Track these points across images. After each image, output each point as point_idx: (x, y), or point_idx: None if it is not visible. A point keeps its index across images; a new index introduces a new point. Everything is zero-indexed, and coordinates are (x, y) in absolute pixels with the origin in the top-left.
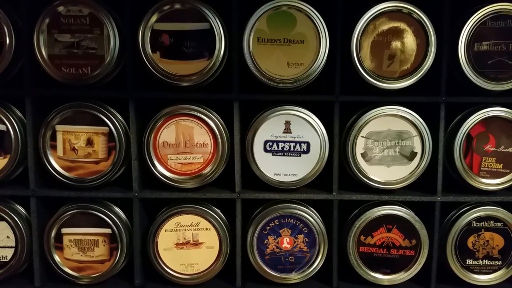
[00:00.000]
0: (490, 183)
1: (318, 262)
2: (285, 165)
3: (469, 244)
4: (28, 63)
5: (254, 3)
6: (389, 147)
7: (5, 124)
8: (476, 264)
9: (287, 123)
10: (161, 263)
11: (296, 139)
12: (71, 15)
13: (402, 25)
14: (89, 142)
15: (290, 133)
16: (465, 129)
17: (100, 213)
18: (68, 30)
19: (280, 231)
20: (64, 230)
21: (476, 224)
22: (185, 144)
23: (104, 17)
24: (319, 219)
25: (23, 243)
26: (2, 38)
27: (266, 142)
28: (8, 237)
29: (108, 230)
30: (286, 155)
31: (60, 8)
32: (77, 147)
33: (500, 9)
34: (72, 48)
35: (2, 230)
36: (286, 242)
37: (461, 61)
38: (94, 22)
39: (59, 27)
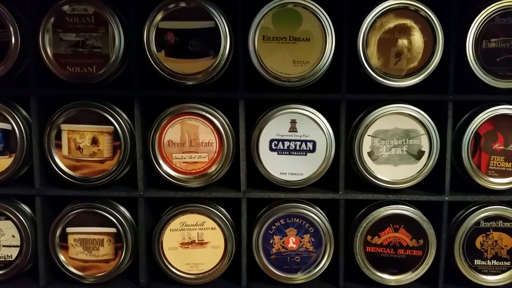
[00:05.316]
0: (499, 182)
1: (324, 262)
2: (290, 164)
3: (477, 244)
4: (33, 62)
5: (260, 1)
6: (396, 146)
7: (10, 123)
8: (484, 265)
9: (293, 122)
10: (166, 262)
11: (302, 138)
12: (76, 14)
13: (409, 23)
14: (94, 141)
15: (296, 131)
16: (473, 127)
17: (105, 212)
18: (73, 29)
19: (286, 230)
20: (69, 229)
21: (485, 224)
22: (190, 143)
23: (109, 16)
24: (325, 218)
25: (28, 242)
26: (7, 37)
27: (271, 141)
28: (13, 236)
29: (113, 230)
30: (291, 154)
31: (65, 7)
32: (82, 146)
33: (509, 5)
34: (77, 47)
35: (7, 229)
36: (292, 242)
37: (469, 58)
38: (99, 21)
39: (64, 26)
